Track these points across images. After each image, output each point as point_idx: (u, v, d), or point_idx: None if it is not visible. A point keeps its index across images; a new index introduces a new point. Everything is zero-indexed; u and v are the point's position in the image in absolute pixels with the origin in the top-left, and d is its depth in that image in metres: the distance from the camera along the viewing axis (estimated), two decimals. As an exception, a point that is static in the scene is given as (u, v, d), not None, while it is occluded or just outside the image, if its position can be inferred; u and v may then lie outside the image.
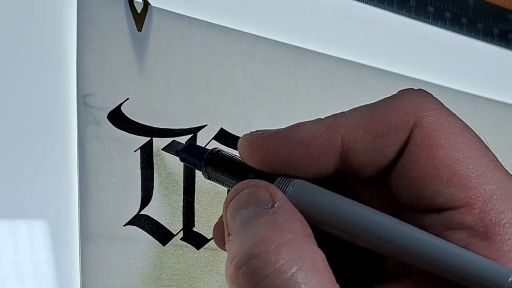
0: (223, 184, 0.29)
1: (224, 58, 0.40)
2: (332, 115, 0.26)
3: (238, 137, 0.39)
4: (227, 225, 0.24)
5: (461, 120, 0.25)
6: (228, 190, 0.28)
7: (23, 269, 0.32)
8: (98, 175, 0.34)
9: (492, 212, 0.23)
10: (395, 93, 0.26)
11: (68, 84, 0.35)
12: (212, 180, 0.30)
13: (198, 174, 0.37)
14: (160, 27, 0.38)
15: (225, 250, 0.25)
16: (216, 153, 0.30)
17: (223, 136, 0.39)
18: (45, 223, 0.33)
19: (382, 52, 0.48)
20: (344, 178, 0.26)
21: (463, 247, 0.23)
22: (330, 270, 0.22)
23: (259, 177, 0.25)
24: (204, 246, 0.37)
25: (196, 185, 0.37)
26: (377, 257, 0.25)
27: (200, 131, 0.38)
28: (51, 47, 0.36)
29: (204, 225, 0.37)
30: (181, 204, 0.37)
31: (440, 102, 0.25)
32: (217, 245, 0.29)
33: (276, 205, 0.23)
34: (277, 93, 0.41)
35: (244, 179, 0.26)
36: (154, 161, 0.36)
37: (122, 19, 0.37)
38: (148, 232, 0.35)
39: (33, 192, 0.34)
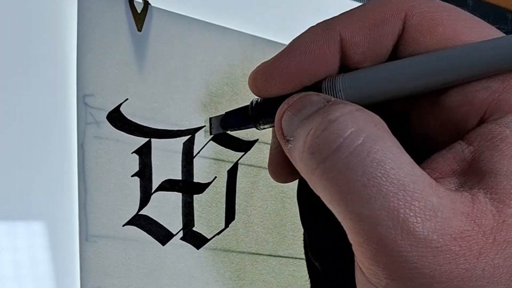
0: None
1: (224, 58, 0.40)
2: (324, 20, 0.26)
3: (236, 138, 0.40)
4: (283, 134, 0.24)
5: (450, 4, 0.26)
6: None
7: (23, 269, 0.32)
8: (97, 176, 0.34)
9: None
10: None
11: (68, 84, 0.35)
12: (268, 127, 0.28)
13: (197, 173, 0.37)
14: (160, 27, 0.38)
15: (280, 181, 0.26)
16: (256, 104, 0.27)
17: (221, 137, 0.39)
18: (45, 223, 0.34)
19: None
20: None
21: None
22: (392, 135, 0.22)
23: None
24: (204, 246, 0.37)
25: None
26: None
27: (198, 132, 0.38)
28: (52, 47, 0.36)
29: (203, 225, 0.37)
30: (181, 204, 0.37)
31: None
32: (274, 176, 0.27)
33: (332, 100, 0.23)
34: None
35: None
36: (153, 162, 0.36)
37: (122, 19, 0.37)
38: (147, 232, 0.35)
39: (32, 192, 0.34)
